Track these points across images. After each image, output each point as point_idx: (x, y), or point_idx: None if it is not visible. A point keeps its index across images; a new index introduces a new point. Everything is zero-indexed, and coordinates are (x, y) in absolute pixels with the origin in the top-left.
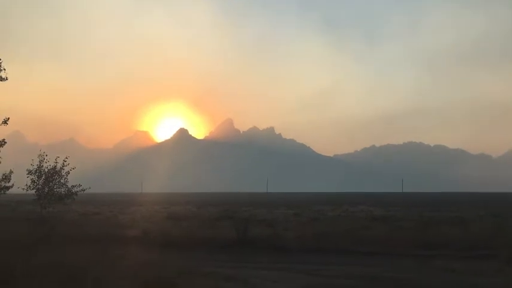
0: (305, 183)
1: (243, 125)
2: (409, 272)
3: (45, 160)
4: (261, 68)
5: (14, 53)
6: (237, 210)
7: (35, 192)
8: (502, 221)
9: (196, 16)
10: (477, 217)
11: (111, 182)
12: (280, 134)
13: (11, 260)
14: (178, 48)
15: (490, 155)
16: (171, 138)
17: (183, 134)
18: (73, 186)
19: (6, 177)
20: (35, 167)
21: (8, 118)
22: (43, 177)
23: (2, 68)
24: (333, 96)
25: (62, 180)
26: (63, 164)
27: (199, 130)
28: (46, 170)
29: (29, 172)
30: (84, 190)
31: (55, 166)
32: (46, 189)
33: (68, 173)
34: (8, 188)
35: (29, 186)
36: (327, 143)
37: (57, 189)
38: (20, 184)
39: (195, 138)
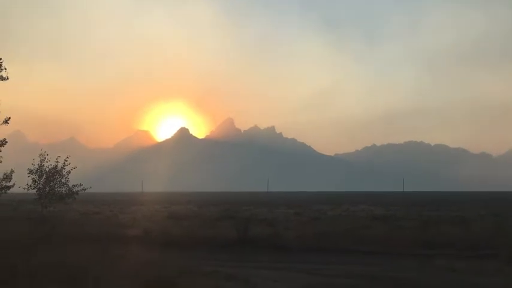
0: (306, 183)
1: (243, 124)
2: (409, 272)
3: (46, 159)
4: (262, 68)
5: (14, 53)
6: (237, 210)
7: (36, 191)
8: (502, 220)
9: (196, 16)
10: (478, 216)
11: (112, 181)
12: (281, 133)
13: (12, 260)
14: (179, 47)
15: (491, 154)
16: (172, 137)
17: (183, 133)
18: (74, 186)
19: (7, 177)
20: (36, 166)
21: (9, 118)
22: (44, 177)
23: (3, 68)
24: (334, 95)
25: (62, 180)
26: (64, 163)
27: (200, 129)
28: (47, 169)
29: (30, 171)
30: (85, 189)
31: (56, 165)
32: (47, 189)
33: (69, 172)
34: (9, 187)
35: (30, 186)
36: (328, 142)
37: (58, 189)
38: (21, 183)
39: (195, 137)
